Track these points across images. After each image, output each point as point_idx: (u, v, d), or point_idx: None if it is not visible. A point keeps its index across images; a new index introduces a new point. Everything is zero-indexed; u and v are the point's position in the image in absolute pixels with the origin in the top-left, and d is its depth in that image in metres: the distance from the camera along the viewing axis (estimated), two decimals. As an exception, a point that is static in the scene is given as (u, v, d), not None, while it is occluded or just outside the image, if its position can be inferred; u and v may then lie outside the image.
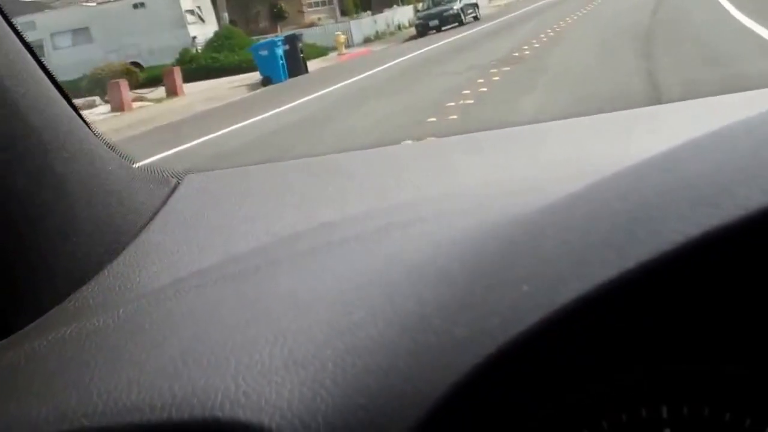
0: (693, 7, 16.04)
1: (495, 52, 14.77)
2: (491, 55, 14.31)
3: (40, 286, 0.79)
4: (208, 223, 0.89)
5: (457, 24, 26.92)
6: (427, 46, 20.59)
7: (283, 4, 34.30)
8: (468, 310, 0.47)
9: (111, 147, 0.94)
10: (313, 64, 20.81)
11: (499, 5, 38.54)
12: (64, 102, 0.87)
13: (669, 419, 0.47)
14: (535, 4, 31.24)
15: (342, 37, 23.33)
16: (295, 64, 18.30)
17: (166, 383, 0.54)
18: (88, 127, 0.91)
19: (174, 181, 1.00)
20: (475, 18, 28.67)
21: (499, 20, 25.91)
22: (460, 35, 22.30)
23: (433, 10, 27.86)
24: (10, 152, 0.77)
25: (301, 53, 18.75)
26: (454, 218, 0.66)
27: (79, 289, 0.79)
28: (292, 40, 18.57)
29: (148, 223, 0.90)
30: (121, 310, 0.68)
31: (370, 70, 16.48)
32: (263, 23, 33.34)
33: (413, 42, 24.74)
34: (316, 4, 36.93)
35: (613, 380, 0.47)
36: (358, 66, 18.43)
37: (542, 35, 16.47)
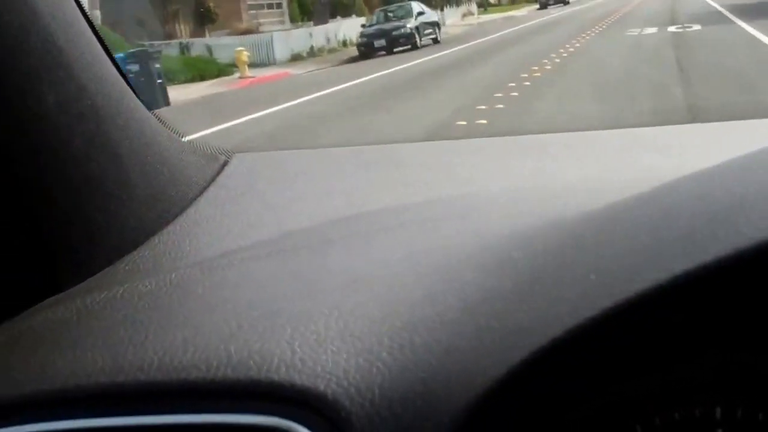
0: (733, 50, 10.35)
1: (431, 112, 9.03)
2: (424, 117, 8.58)
3: (92, 247, 0.79)
4: (258, 201, 0.90)
5: (410, 47, 21.15)
6: (359, 77, 14.84)
7: (212, 4, 28.46)
8: (533, 297, 0.47)
9: (161, 120, 0.94)
10: (199, 88, 15.19)
11: (471, 24, 32.93)
12: (116, 70, 0.87)
13: (722, 420, 0.48)
14: (513, 29, 25.55)
15: (244, 55, 17.37)
16: (148, 94, 12.44)
17: (221, 344, 0.54)
18: (138, 97, 0.90)
19: (223, 158, 1.01)
20: (435, 40, 22.83)
21: (463, 47, 19.96)
22: (409, 64, 16.54)
23: (384, 26, 22.01)
24: (66, 113, 0.77)
25: (159, 78, 12.90)
26: (512, 213, 0.66)
27: (129, 254, 0.80)
28: (142, 58, 12.69)
29: (198, 196, 0.91)
30: (173, 275, 0.69)
31: (246, 114, 10.65)
32: (185, 26, 27.48)
33: (351, 66, 19.12)
34: (260, 7, 31.21)
35: (675, 371, 0.48)
36: (240, 102, 12.81)
37: (499, 94, 10.42)
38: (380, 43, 21.17)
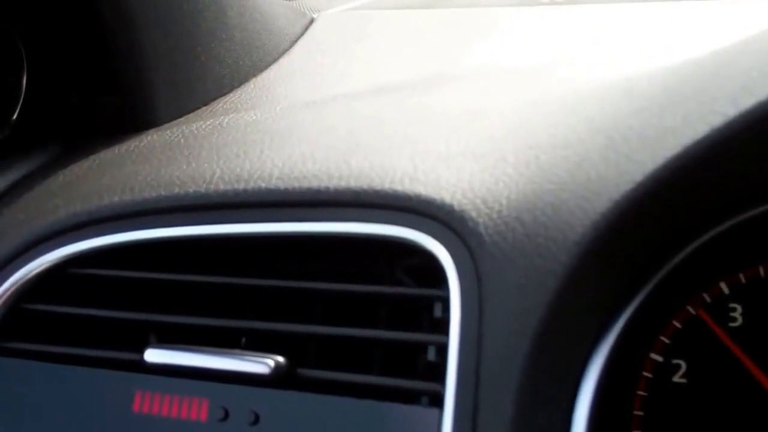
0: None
1: None
2: None
3: (192, 84, 0.78)
4: (348, 55, 0.88)
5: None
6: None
7: None
8: (661, 113, 0.44)
9: None
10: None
11: None
12: None
13: None
14: None
15: None
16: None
17: (341, 157, 0.53)
18: None
19: (310, 15, 1.01)
20: None
21: None
22: None
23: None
24: None
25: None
26: (619, 65, 0.64)
27: (225, 96, 0.80)
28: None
29: (289, 48, 0.91)
30: (278, 108, 0.68)
31: None
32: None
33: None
34: None
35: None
36: None
37: None
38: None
